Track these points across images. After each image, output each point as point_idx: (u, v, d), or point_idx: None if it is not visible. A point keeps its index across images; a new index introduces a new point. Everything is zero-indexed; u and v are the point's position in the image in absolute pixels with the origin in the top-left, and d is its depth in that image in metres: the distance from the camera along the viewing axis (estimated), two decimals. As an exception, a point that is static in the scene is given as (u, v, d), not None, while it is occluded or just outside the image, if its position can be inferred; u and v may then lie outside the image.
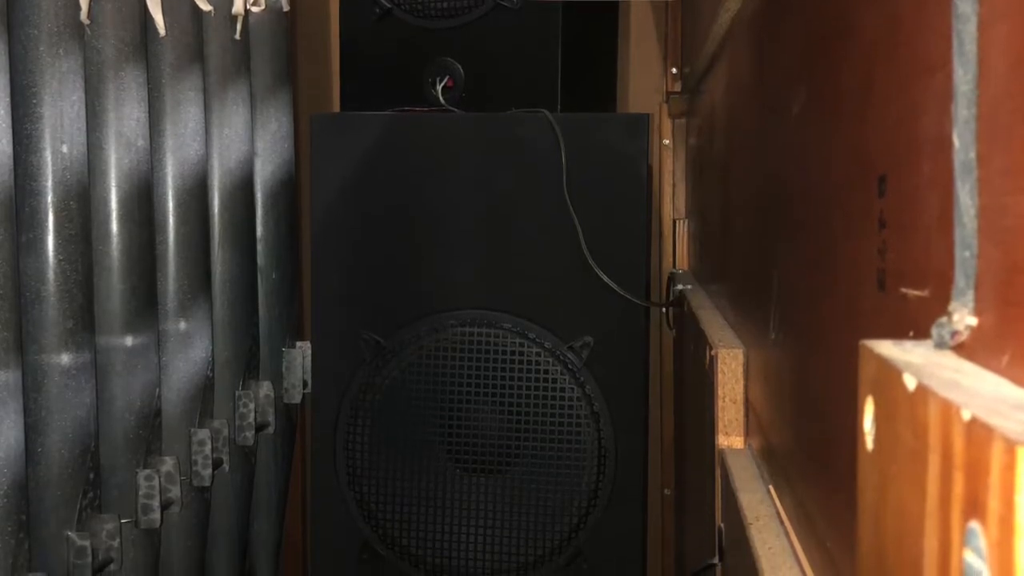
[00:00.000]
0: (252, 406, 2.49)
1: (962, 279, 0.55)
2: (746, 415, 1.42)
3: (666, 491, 2.93)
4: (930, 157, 0.62)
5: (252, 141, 2.56)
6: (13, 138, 1.79)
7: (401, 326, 2.46)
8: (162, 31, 2.21)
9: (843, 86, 0.87)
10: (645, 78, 3.03)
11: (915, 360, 0.53)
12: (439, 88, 2.57)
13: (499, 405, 2.41)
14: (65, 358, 1.91)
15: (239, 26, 2.46)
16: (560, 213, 2.37)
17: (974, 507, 0.43)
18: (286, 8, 2.64)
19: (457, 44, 2.58)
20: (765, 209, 1.31)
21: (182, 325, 2.27)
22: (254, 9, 2.53)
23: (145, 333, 2.13)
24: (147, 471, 2.13)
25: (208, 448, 2.32)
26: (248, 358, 2.52)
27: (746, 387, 1.42)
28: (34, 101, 1.86)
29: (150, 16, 2.17)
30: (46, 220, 1.89)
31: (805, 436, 1.00)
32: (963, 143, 0.55)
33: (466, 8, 2.57)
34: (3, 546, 1.77)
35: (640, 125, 2.43)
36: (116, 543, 2.02)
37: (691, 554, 2.04)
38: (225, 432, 2.40)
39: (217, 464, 2.38)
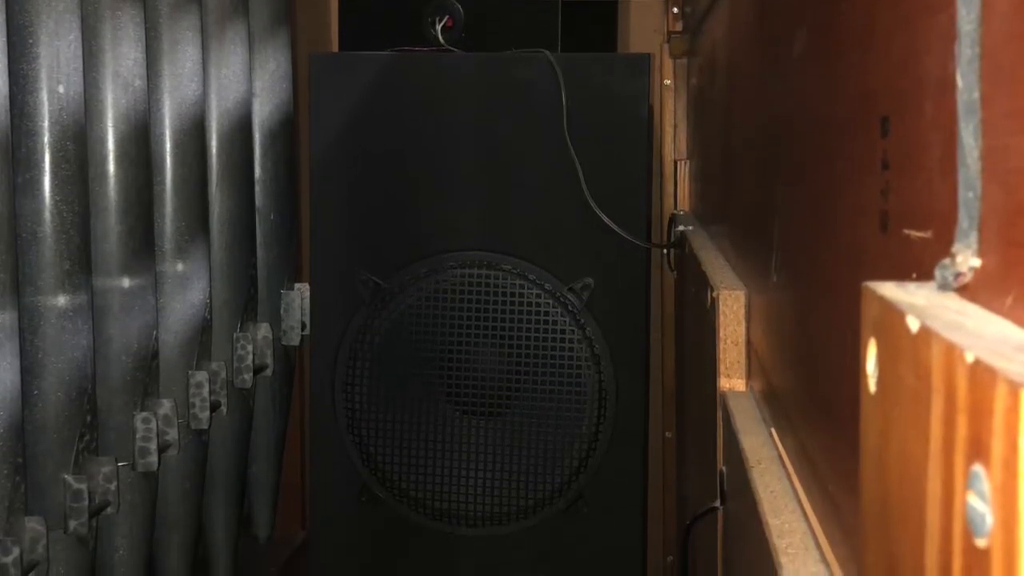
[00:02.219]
0: (250, 348, 2.49)
1: (965, 220, 0.55)
2: (748, 357, 1.41)
3: (667, 434, 2.93)
4: (933, 98, 0.62)
5: (250, 81, 2.55)
6: (9, 78, 1.78)
7: (400, 268, 2.45)
8: (159, -30, 2.20)
9: (845, 26, 0.86)
10: (646, 18, 3.02)
11: (918, 302, 0.53)
12: (439, 28, 2.55)
13: (499, 347, 2.41)
14: (62, 300, 1.90)
15: (237, -35, 2.44)
16: (560, 154, 2.36)
17: (977, 450, 0.42)
18: (284, -53, 2.63)
19: (457, -17, 2.57)
20: (767, 150, 1.30)
21: (179, 266, 2.27)
22: (252, -52, 2.51)
23: (142, 275, 2.12)
24: (144, 414, 2.13)
25: (206, 391, 2.32)
26: (246, 300, 2.52)
27: (748, 329, 1.42)
28: (30, 41, 1.85)
29: (146, -45, 2.16)
30: (42, 161, 1.88)
31: (807, 378, 0.99)
32: (966, 84, 0.55)
33: (466, -53, 2.55)
34: (-1, 489, 1.77)
35: (641, 65, 2.42)
36: (113, 486, 2.02)
37: (692, 498, 2.04)
38: (223, 374, 2.40)
39: (215, 407, 2.38)
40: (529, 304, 2.40)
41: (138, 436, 2.13)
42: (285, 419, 2.76)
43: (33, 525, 1.83)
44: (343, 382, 2.48)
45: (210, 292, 2.36)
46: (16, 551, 1.78)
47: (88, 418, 1.98)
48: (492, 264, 2.41)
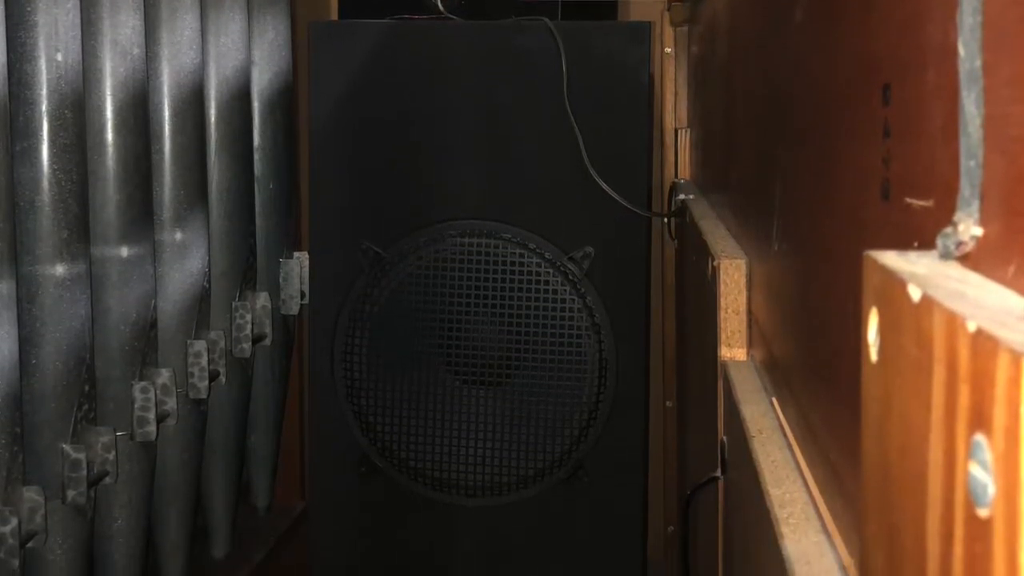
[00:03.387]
0: (249, 317, 2.49)
1: (967, 189, 0.54)
2: (749, 326, 1.41)
3: (668, 404, 2.93)
4: (935, 65, 0.61)
5: (249, 49, 2.54)
6: (7, 46, 1.78)
7: (400, 236, 2.45)
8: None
9: (847, -9, 0.86)
10: (647, -14, 3.01)
11: (920, 271, 0.52)
12: (438, -4, 2.54)
13: (499, 316, 2.41)
14: (60, 269, 1.90)
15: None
16: (561, 122, 2.35)
17: (979, 419, 0.42)
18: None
19: (456, -50, 2.56)
20: (768, 118, 1.30)
21: (178, 235, 2.26)
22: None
23: (141, 244, 2.12)
24: (143, 383, 2.13)
25: (204, 360, 2.31)
26: (245, 269, 2.51)
27: (749, 298, 1.41)
28: (28, 8, 1.84)
29: (145, -79, 2.15)
30: (41, 129, 1.88)
31: (809, 347, 0.99)
32: (968, 51, 0.54)
33: (466, -86, 2.54)
34: (-2, 459, 1.77)
35: (641, 33, 2.41)
36: (111, 456, 2.02)
37: (693, 467, 2.04)
38: (222, 344, 2.39)
39: (214, 376, 2.38)
40: (529, 273, 2.39)
41: (136, 406, 2.13)
42: (284, 389, 2.76)
43: (31, 495, 1.83)
44: (342, 352, 2.48)
45: (209, 261, 2.36)
46: (14, 521, 1.78)
47: (86, 388, 1.97)
48: (492, 233, 2.41)
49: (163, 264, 2.25)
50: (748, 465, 1.08)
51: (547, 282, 2.39)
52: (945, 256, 0.55)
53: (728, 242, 1.60)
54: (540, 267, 2.39)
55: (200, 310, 2.33)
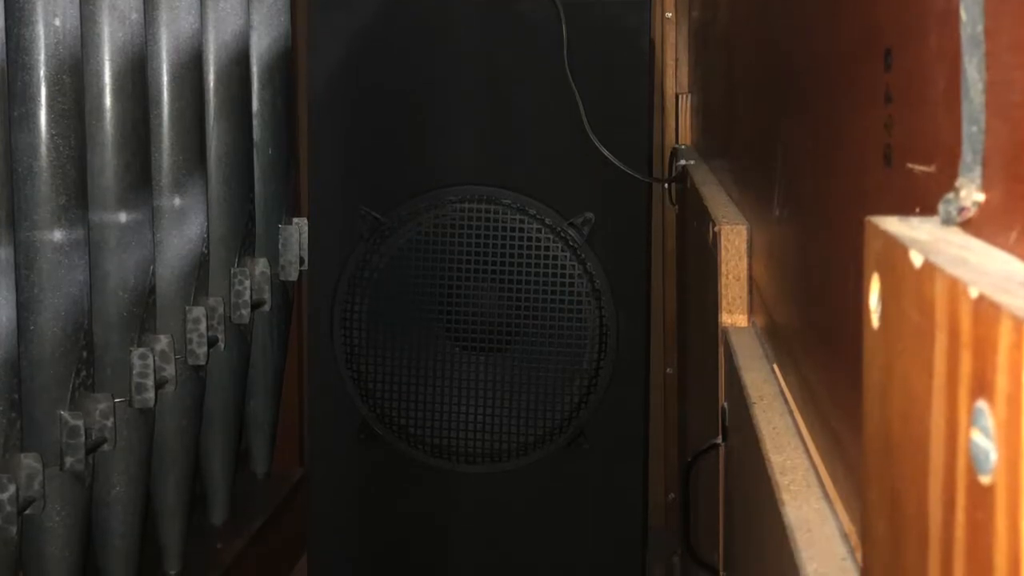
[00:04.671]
0: (248, 283, 2.49)
1: (969, 154, 0.54)
2: (750, 292, 1.41)
3: (668, 370, 2.93)
4: (937, 30, 0.61)
5: (248, 14, 2.53)
6: (5, 11, 1.77)
7: (400, 202, 2.44)
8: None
9: (849, -46, 0.85)
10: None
11: (922, 237, 0.52)
12: (438, -39, 2.53)
13: (499, 282, 2.40)
14: (58, 235, 1.89)
15: None
16: (561, 88, 2.34)
17: (981, 386, 0.42)
18: None
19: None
20: (769, 83, 1.30)
21: (177, 201, 2.26)
22: None
23: (139, 209, 2.12)
24: (141, 349, 2.13)
25: (203, 326, 2.31)
26: (244, 234, 2.51)
27: (750, 264, 1.41)
28: (26, -27, 1.84)
29: None
30: (39, 95, 1.87)
31: (810, 313, 0.99)
32: (970, 16, 0.54)
33: None
34: (-5, 425, 1.77)
35: (642, -2, 2.40)
36: (109, 422, 2.02)
37: (694, 434, 2.04)
38: (220, 310, 2.39)
39: (212, 342, 2.38)
40: (529, 239, 2.39)
41: (135, 372, 2.13)
42: (283, 355, 2.76)
43: (29, 462, 1.83)
44: (341, 318, 2.48)
45: (207, 227, 2.36)
46: (12, 488, 1.78)
47: (84, 354, 1.97)
48: (492, 199, 2.40)
49: (162, 230, 2.24)
50: (749, 431, 1.08)
51: (547, 248, 2.39)
52: (947, 222, 0.55)
53: (729, 208, 1.60)
54: (540, 233, 2.39)
55: (199, 276, 2.32)
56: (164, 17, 2.23)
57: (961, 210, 0.54)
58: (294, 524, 2.77)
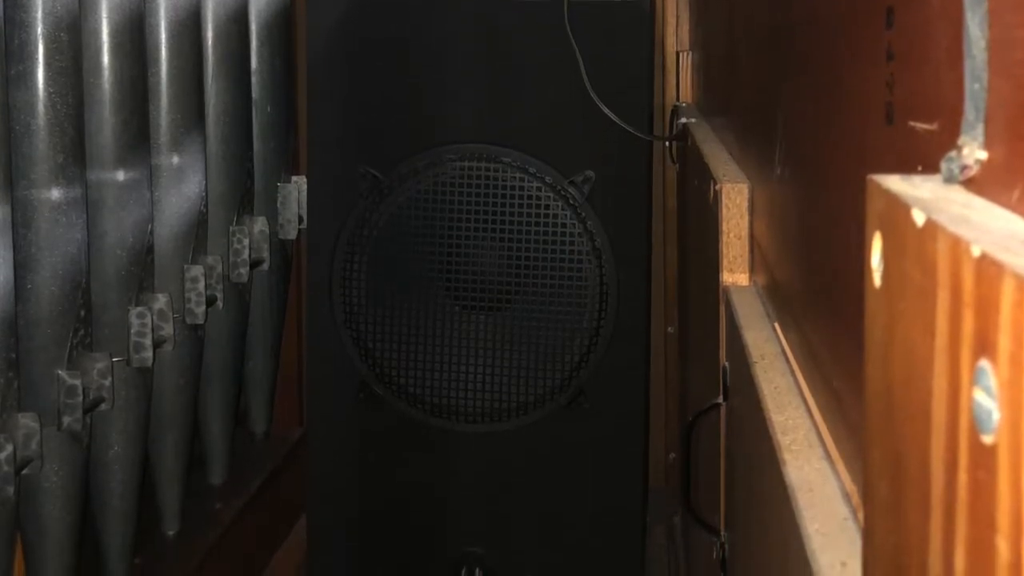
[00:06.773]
0: (246, 242, 2.49)
1: (972, 112, 0.54)
2: (751, 251, 1.41)
3: (669, 329, 2.93)
4: (939, -13, 0.60)
5: (246, -29, 2.52)
6: (1, -32, 1.76)
7: (399, 160, 2.43)
8: None
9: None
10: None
11: (924, 195, 0.52)
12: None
13: (499, 241, 2.40)
14: (55, 193, 1.89)
15: None
16: (561, 46, 2.33)
17: (984, 345, 0.42)
18: None
19: None
20: (770, 41, 1.29)
21: (175, 159, 2.26)
22: None
23: (137, 168, 2.11)
24: (139, 309, 2.13)
25: (201, 285, 2.31)
26: (242, 193, 2.51)
27: (751, 223, 1.41)
28: (22, -71, 1.83)
29: None
30: (36, 52, 1.86)
31: (812, 272, 0.99)
32: (973, -27, 0.53)
33: None
34: (-7, 385, 1.77)
35: (643, -45, 2.39)
36: (107, 382, 2.01)
37: (695, 394, 2.04)
38: (219, 269, 2.39)
39: (211, 301, 2.37)
40: (529, 197, 2.38)
41: (133, 331, 2.12)
42: (282, 314, 2.76)
43: (26, 421, 1.83)
44: (340, 277, 2.47)
45: (206, 185, 2.35)
46: (9, 448, 1.78)
47: (82, 313, 1.97)
48: (492, 157, 2.40)
49: (160, 188, 2.24)
50: (750, 391, 1.08)
51: (547, 206, 2.38)
52: (949, 180, 0.55)
53: (730, 166, 1.60)
54: (540, 191, 2.38)
55: (197, 235, 2.32)
56: (162, -26, 2.22)
57: (963, 168, 0.54)
58: (293, 484, 2.77)
